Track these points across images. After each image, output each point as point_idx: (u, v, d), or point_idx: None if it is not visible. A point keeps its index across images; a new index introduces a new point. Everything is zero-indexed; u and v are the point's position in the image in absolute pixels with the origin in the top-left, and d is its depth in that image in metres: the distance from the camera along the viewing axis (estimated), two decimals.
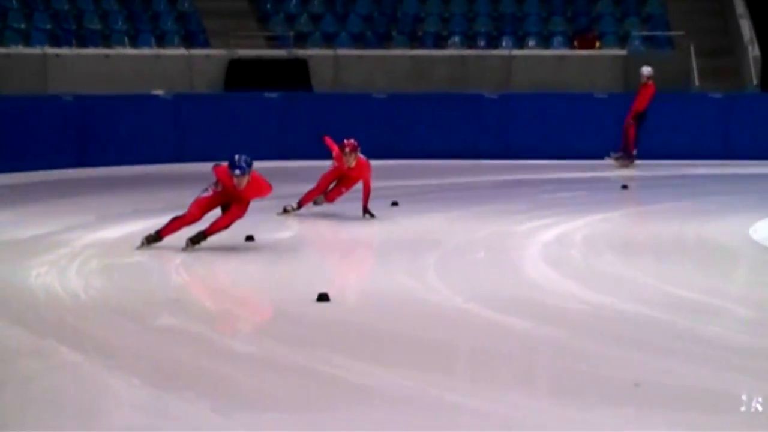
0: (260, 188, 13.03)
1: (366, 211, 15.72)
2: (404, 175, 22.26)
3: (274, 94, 25.48)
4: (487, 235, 14.69)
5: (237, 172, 12.54)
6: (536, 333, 9.31)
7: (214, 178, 13.02)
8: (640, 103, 24.11)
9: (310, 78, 27.54)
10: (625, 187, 20.20)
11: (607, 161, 24.29)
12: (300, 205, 15.96)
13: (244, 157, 12.73)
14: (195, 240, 12.79)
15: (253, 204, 13.15)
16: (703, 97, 26.47)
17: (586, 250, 13.55)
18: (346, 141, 15.83)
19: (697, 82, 27.84)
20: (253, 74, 27.00)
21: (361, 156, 15.90)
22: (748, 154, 25.32)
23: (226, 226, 12.87)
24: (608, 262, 12.84)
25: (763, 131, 25.89)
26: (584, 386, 7.75)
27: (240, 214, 12.91)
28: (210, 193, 12.94)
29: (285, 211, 15.95)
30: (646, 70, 24.23)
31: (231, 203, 12.92)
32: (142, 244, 12.90)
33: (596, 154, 24.95)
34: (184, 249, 12.72)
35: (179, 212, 12.97)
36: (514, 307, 10.30)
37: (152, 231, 12.98)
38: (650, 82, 24.08)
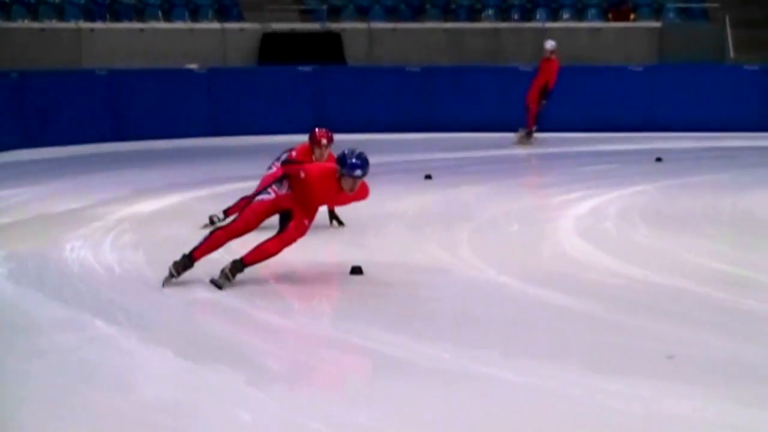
0: (362, 190, 10.19)
1: (334, 217, 13.12)
2: (438, 148, 22.24)
3: (307, 68, 25.47)
4: (520, 208, 14.65)
5: (358, 173, 9.69)
6: (570, 306, 9.29)
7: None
8: (549, 79, 23.29)
9: (344, 51, 27.51)
10: (659, 159, 20.10)
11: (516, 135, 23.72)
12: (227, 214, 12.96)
13: (357, 151, 9.86)
14: (231, 272, 9.86)
15: None
16: (739, 69, 26.27)
17: (620, 223, 13.50)
18: (318, 131, 12.67)
19: (732, 54, 27.63)
20: (286, 48, 27.00)
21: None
22: None
23: (276, 252, 9.95)
24: (642, 234, 12.78)
25: None
26: (618, 358, 7.73)
27: (301, 232, 9.96)
28: (272, 196, 9.97)
29: (211, 222, 12.92)
30: (550, 44, 23.49)
31: (292, 212, 9.92)
32: (171, 276, 9.89)
33: (631, 126, 24.85)
34: (216, 283, 9.86)
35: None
36: (547, 280, 10.28)
37: (179, 257, 10.00)
38: (554, 57, 23.29)
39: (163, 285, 9.80)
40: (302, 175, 9.81)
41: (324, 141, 12.63)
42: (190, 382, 7.26)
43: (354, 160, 9.74)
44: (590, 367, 7.48)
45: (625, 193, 16.02)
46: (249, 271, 9.83)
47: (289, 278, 10.42)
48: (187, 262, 9.84)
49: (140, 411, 6.66)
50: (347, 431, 6.32)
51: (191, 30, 27.18)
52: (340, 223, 13.08)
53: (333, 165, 9.89)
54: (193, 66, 25.25)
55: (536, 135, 23.68)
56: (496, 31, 28.10)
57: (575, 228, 13.12)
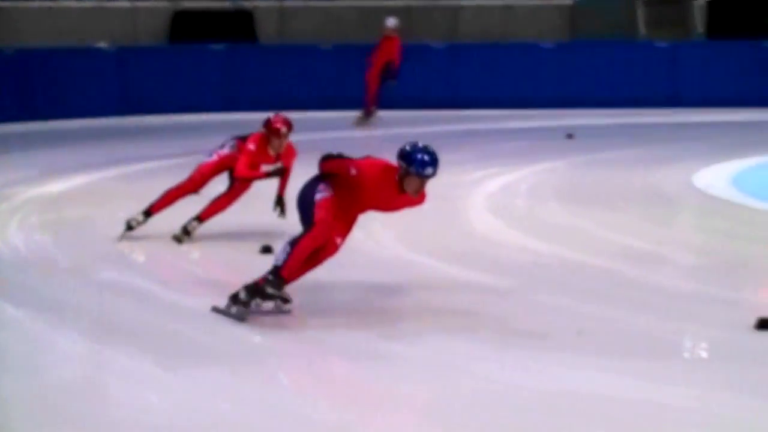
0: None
1: (280, 204, 11.25)
2: (347, 126, 22.15)
3: (219, 46, 25.25)
4: (432, 186, 14.59)
5: (429, 171, 8.10)
6: (481, 282, 9.31)
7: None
8: (393, 58, 22.51)
9: (256, 30, 27.31)
10: (570, 136, 20.19)
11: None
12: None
13: (421, 144, 8.29)
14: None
15: None
16: (650, 46, 26.48)
17: (531, 200, 13.56)
18: (275, 117, 11.02)
19: (643, 31, 27.86)
20: (197, 26, 26.74)
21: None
22: (695, 102, 25.40)
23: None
24: (553, 211, 12.84)
25: (709, 79, 25.96)
26: (528, 334, 7.75)
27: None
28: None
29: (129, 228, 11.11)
30: (391, 21, 22.84)
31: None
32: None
33: (543, 103, 24.96)
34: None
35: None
36: (458, 257, 10.29)
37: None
38: (395, 35, 22.63)
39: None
40: (353, 172, 8.13)
41: (284, 129, 10.87)
42: (98, 363, 7.18)
43: (423, 156, 8.06)
44: (501, 344, 7.49)
45: (537, 169, 16.08)
46: (160, 251, 9.72)
47: (200, 258, 10.33)
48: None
49: (47, 393, 6.57)
50: (254, 409, 6.28)
51: (101, 8, 26.82)
52: (283, 212, 11.06)
53: (387, 162, 8.24)
54: (102, 44, 24.93)
55: (379, 114, 22.97)
56: (409, 9, 28.03)
57: (487, 205, 13.15)
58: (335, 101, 24.45)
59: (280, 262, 8.02)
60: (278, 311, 8.18)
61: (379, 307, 8.57)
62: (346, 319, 8.10)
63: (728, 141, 19.82)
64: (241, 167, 10.83)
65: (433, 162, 8.04)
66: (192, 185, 11.06)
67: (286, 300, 8.22)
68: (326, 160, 8.29)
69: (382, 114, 22.80)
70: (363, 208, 8.39)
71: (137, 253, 10.62)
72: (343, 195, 8.21)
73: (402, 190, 8.14)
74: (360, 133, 21.70)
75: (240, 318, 8.01)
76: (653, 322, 8.03)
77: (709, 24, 27.72)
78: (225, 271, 9.91)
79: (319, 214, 8.07)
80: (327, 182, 8.22)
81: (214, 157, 11.10)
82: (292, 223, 10.82)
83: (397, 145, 8.16)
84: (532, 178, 15.23)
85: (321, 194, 8.18)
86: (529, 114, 24.28)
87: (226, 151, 11.07)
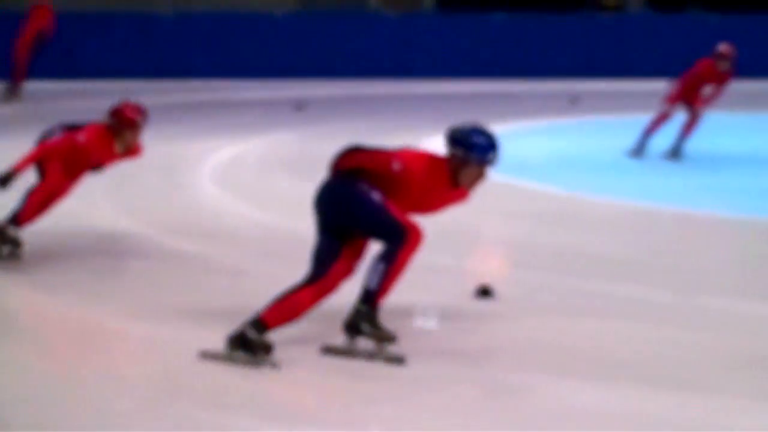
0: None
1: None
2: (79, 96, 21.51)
3: None
4: (156, 157, 14.32)
5: (492, 156, 6.72)
6: (206, 254, 9.16)
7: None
8: (45, 27, 20.75)
9: None
10: (300, 107, 20.14)
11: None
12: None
13: (468, 124, 6.95)
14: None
15: None
16: (379, 18, 26.71)
17: (259, 172, 13.44)
18: (128, 107, 8.98)
19: (373, 3, 28.09)
20: None
21: None
22: (424, 73, 25.77)
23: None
24: (281, 182, 12.77)
25: (438, 51, 26.38)
26: (252, 306, 7.61)
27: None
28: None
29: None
30: None
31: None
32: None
33: (274, 73, 24.86)
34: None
35: None
36: (183, 229, 10.10)
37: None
38: (47, 3, 20.78)
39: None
40: (396, 168, 6.66)
41: (140, 119, 8.96)
42: None
43: (483, 139, 6.71)
44: (229, 318, 7.31)
45: (266, 141, 15.97)
46: None
47: None
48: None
49: None
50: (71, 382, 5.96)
51: None
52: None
53: (430, 152, 6.87)
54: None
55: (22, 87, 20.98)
56: None
57: (213, 177, 12.95)
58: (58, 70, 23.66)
59: (373, 286, 6.52)
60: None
61: (99, 281, 8.30)
62: (57, 288, 7.80)
63: (452, 112, 20.14)
64: (53, 173, 8.71)
65: (495, 144, 6.70)
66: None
67: (386, 338, 6.55)
68: (352, 153, 6.77)
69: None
70: (416, 207, 6.84)
71: None
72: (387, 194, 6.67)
73: (455, 184, 6.74)
74: (7, 109, 19.95)
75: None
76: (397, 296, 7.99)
77: None
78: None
79: (397, 217, 6.55)
80: (364, 182, 6.67)
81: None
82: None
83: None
84: (260, 150, 15.10)
85: (374, 193, 6.62)
86: (260, 85, 24.14)
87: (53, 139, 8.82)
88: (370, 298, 6.49)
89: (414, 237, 6.51)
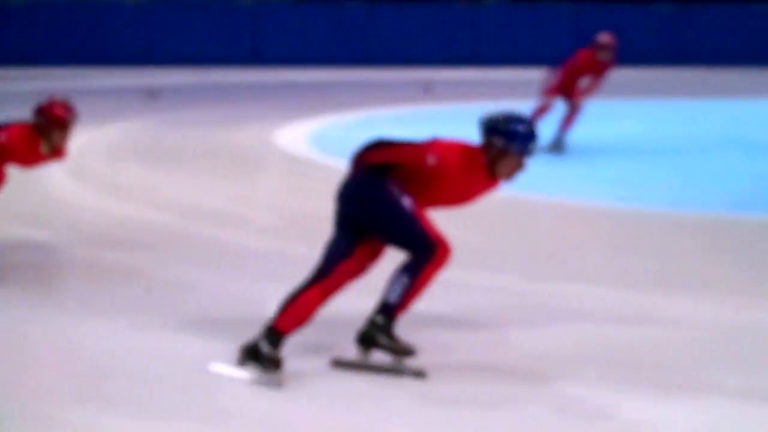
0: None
1: None
2: None
3: None
4: None
5: (532, 145, 6.31)
6: (55, 245, 8.98)
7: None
8: None
9: None
10: (153, 94, 19.90)
11: None
12: None
13: (502, 111, 6.46)
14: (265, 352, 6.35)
15: None
16: (231, 5, 26.54)
17: (110, 160, 13.23)
18: (56, 104, 8.36)
19: None
20: None
21: None
22: (278, 61, 25.71)
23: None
24: (133, 171, 12.59)
25: (292, 39, 26.33)
26: (103, 298, 7.49)
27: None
28: None
29: None
30: None
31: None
32: None
33: (125, 60, 24.53)
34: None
35: None
36: (32, 220, 9.88)
37: None
38: None
39: None
40: (431, 162, 6.19)
41: (70, 118, 8.37)
42: None
43: (524, 127, 6.28)
44: (87, 308, 7.19)
45: (118, 129, 15.75)
46: None
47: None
48: None
49: None
50: None
51: None
52: None
53: (462, 141, 6.35)
54: None
55: None
56: None
57: (63, 167, 12.69)
58: None
59: (394, 299, 6.09)
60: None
61: None
62: None
63: (306, 100, 20.15)
64: None
65: (535, 133, 6.29)
66: None
67: (404, 352, 6.13)
68: (380, 146, 6.22)
69: None
70: (431, 206, 6.37)
71: None
72: (413, 193, 6.22)
73: (491, 174, 6.31)
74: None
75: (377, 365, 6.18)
76: (232, 282, 7.94)
77: None
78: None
79: (427, 229, 6.12)
80: (392, 179, 6.19)
81: None
82: None
83: None
84: (111, 138, 14.88)
85: (405, 198, 6.14)
86: (111, 72, 23.79)
87: None
88: (389, 311, 6.07)
89: (442, 252, 6.09)
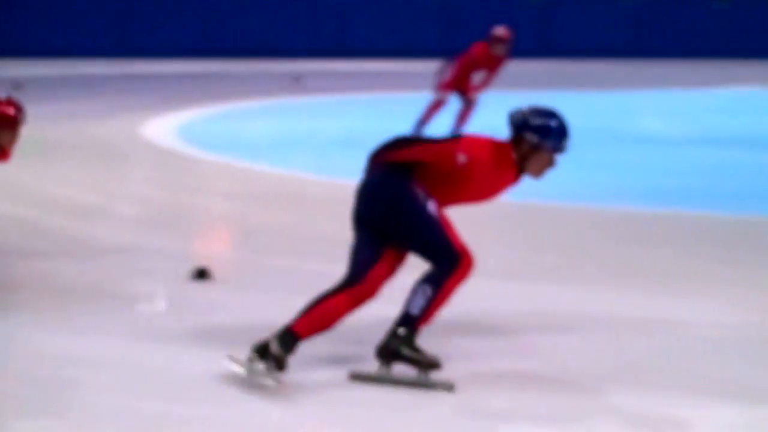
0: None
1: None
2: None
3: None
4: None
5: (568, 142, 6.04)
6: None
7: None
8: None
9: None
10: (17, 86, 19.51)
11: None
12: None
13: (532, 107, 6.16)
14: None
15: None
16: None
17: None
18: (6, 101, 7.54)
19: None
20: None
21: None
22: (146, 52, 25.55)
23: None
24: None
25: (161, 29, 26.15)
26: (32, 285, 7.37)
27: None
28: None
29: None
30: None
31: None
32: None
33: None
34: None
35: None
36: None
37: None
38: None
39: None
40: (462, 160, 5.90)
41: (20, 117, 7.52)
42: None
43: (558, 123, 6.00)
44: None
45: None
46: None
47: None
48: None
49: None
50: None
51: None
52: None
53: (490, 137, 6.05)
54: None
55: None
56: None
57: None
58: None
59: (416, 311, 5.77)
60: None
61: None
62: None
63: (174, 92, 20.00)
64: None
65: (568, 130, 6.01)
66: None
67: (431, 365, 5.77)
68: (406, 144, 5.96)
69: None
70: (452, 204, 6.04)
71: None
72: (437, 193, 5.91)
73: (520, 171, 6.00)
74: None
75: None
76: (93, 275, 7.82)
77: None
78: None
79: (452, 239, 5.83)
80: (415, 180, 5.87)
81: None
82: None
83: None
84: None
85: (431, 203, 5.83)
86: None
87: None
88: (411, 323, 5.75)
89: (466, 264, 5.81)
